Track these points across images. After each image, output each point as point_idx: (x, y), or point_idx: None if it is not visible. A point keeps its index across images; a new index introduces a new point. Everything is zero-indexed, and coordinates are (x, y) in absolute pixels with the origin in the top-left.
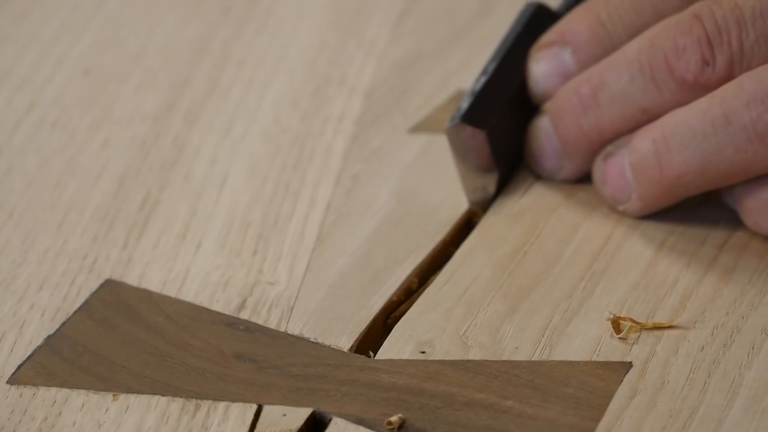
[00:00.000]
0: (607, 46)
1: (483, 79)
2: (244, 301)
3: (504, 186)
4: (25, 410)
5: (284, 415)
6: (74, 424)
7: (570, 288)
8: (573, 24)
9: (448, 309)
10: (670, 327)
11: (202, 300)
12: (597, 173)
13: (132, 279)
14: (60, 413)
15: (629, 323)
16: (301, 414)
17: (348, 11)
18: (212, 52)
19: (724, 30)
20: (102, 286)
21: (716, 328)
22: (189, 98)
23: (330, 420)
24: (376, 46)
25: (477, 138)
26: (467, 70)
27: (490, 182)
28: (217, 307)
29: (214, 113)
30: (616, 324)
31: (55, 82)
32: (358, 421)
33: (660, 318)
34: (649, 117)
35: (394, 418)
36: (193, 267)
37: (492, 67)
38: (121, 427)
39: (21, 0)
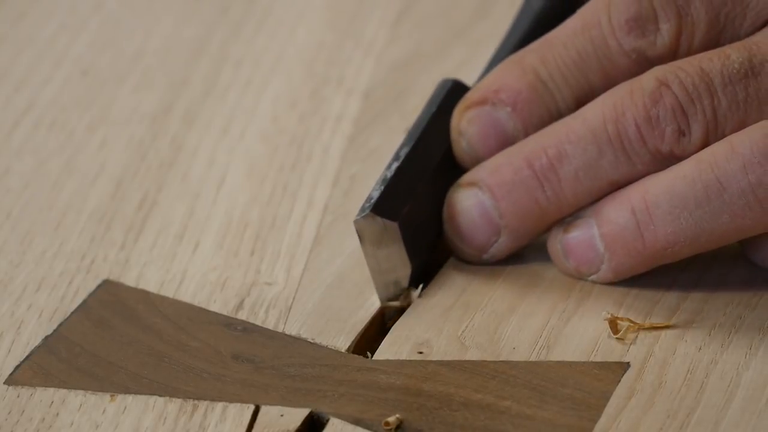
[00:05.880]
0: (550, 108)
1: (395, 165)
2: (242, 301)
3: (419, 278)
4: (23, 411)
5: (282, 415)
6: (72, 424)
7: (567, 288)
8: (507, 81)
9: (446, 309)
10: (668, 327)
11: (200, 300)
12: (556, 246)
13: (129, 279)
14: (57, 414)
15: (627, 323)
16: (299, 414)
17: (346, 12)
18: (210, 53)
19: (696, 98)
20: (99, 286)
21: (714, 328)
22: (187, 99)
23: (327, 420)
24: (374, 47)
25: (389, 230)
26: (465, 70)
27: (403, 276)
28: (214, 307)
29: (212, 114)
30: (613, 324)
31: (52, 83)
32: (356, 422)
33: (657, 318)
34: (615, 188)
35: (391, 419)
36: (190, 267)
37: (405, 151)
38: (118, 428)
39: (19, 0)
